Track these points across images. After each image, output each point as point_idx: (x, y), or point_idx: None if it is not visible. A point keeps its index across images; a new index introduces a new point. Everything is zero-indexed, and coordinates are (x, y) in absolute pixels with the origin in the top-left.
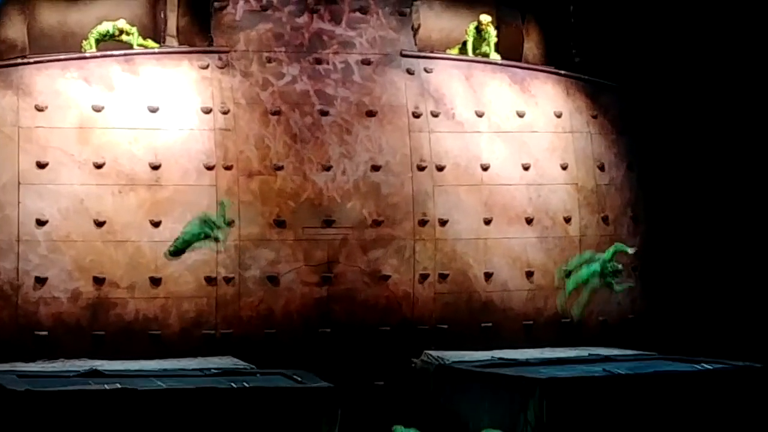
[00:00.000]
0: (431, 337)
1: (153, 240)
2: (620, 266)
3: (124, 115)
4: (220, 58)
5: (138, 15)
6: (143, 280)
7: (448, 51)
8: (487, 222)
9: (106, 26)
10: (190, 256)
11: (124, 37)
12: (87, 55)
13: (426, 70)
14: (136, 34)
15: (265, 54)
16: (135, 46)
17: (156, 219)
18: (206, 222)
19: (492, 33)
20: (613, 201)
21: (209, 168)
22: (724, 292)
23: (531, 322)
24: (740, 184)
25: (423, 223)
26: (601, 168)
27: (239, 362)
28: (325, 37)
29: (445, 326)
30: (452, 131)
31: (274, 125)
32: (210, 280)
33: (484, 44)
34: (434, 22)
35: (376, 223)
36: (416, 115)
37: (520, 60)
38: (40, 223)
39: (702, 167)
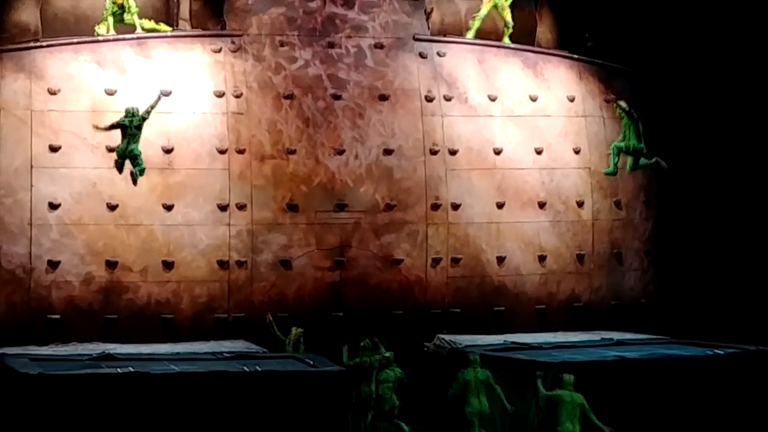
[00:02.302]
0: (444, 321)
1: (165, 224)
2: None
3: (137, 99)
4: (232, 42)
5: None
6: (156, 264)
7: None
8: (500, 206)
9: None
10: (201, 240)
11: (126, 17)
12: (100, 38)
13: (439, 54)
14: (134, 8)
15: (278, 38)
16: (138, 26)
17: (168, 203)
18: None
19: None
20: (626, 185)
21: (222, 152)
22: (737, 277)
23: (543, 306)
24: (754, 168)
25: (435, 207)
26: None
27: (252, 346)
28: (337, 21)
29: (458, 310)
30: (465, 115)
31: (286, 109)
32: (222, 264)
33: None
34: (447, 6)
35: (389, 207)
36: (429, 99)
37: (533, 44)
38: (53, 206)
39: (715, 151)
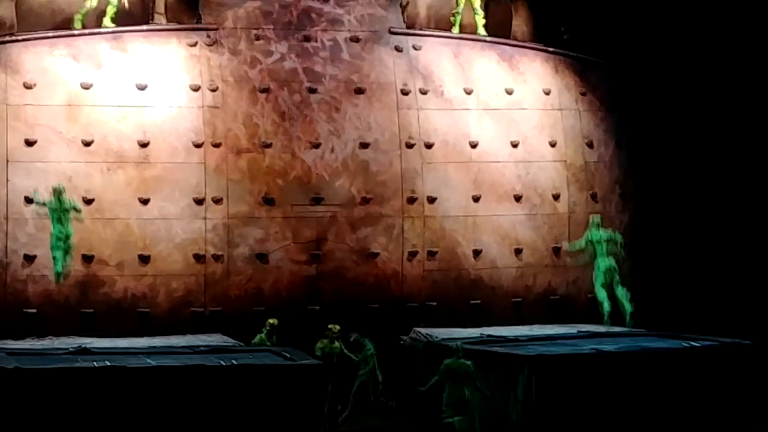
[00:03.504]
0: (420, 315)
1: (141, 218)
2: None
3: (113, 93)
4: (208, 36)
5: None
6: (132, 258)
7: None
8: (476, 199)
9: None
10: (178, 234)
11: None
12: (75, 32)
13: (414, 48)
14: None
15: (254, 31)
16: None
17: (145, 197)
18: None
19: None
20: (601, 178)
21: (198, 146)
22: (713, 270)
23: (520, 300)
24: (729, 161)
25: (411, 200)
26: (590, 145)
27: (228, 340)
28: (313, 15)
29: (434, 304)
30: (441, 108)
31: (262, 103)
32: (198, 258)
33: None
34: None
35: (365, 201)
36: (405, 93)
37: (508, 37)
38: (29, 201)
39: (691, 145)
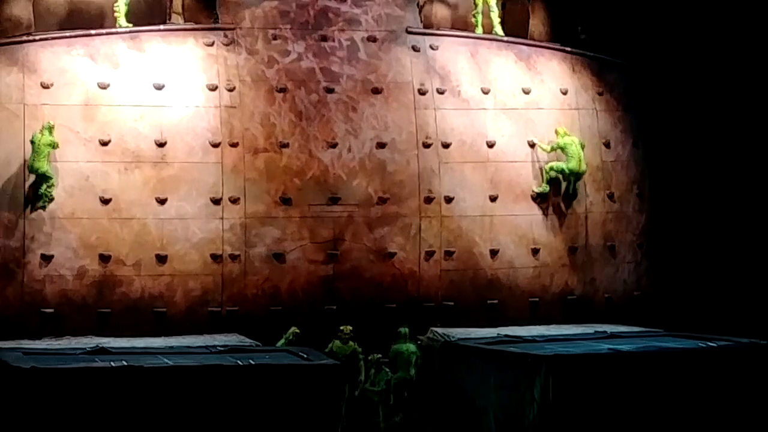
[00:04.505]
0: (437, 315)
1: (159, 217)
2: None
3: (130, 93)
4: (225, 36)
5: None
6: (149, 258)
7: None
8: (493, 199)
9: None
10: (195, 234)
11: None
12: (92, 32)
13: (432, 47)
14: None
15: (271, 31)
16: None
17: (162, 196)
18: None
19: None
20: (618, 178)
21: (215, 145)
22: (730, 269)
23: (537, 299)
24: (746, 161)
25: (429, 200)
26: (607, 145)
27: (245, 339)
28: (330, 15)
29: (451, 303)
30: (458, 108)
31: (279, 103)
32: (216, 258)
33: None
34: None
35: (382, 201)
36: (422, 93)
37: (525, 37)
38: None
39: (708, 145)
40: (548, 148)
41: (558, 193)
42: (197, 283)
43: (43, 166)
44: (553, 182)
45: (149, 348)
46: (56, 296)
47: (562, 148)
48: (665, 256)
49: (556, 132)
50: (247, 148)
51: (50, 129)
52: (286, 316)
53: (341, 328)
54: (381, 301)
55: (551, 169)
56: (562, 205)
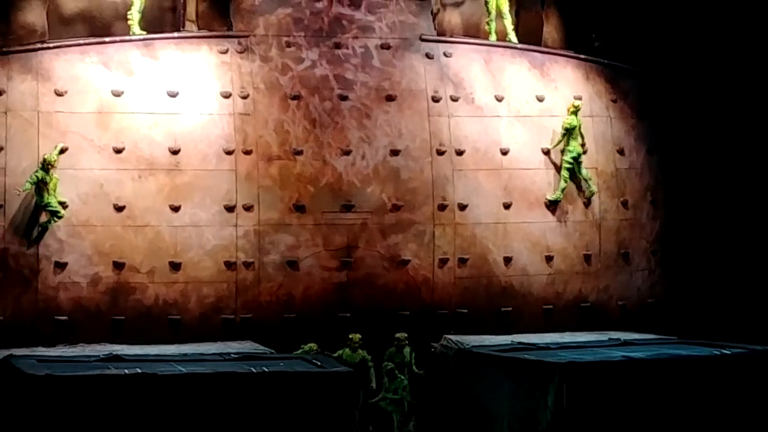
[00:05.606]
0: (451, 322)
1: (173, 225)
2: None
3: (144, 100)
4: (239, 43)
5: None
6: (163, 265)
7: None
8: (507, 206)
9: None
10: (209, 241)
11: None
12: (106, 39)
13: (445, 55)
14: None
15: (285, 38)
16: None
17: (176, 204)
18: None
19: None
20: (632, 185)
21: (229, 153)
22: (744, 276)
23: (551, 307)
24: (762, 169)
25: (442, 207)
26: (621, 152)
27: (259, 347)
28: (344, 22)
29: (465, 311)
30: (472, 115)
31: (293, 110)
32: (229, 265)
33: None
34: (453, 7)
35: (396, 208)
36: (436, 100)
37: (539, 44)
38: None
39: (722, 152)
40: (559, 136)
41: (573, 197)
42: (211, 290)
43: (45, 198)
44: (571, 176)
45: (163, 355)
46: (70, 304)
47: (570, 130)
48: (679, 263)
49: (568, 110)
50: (261, 156)
51: (44, 163)
52: (300, 324)
53: (350, 336)
54: (395, 308)
55: (566, 161)
56: (576, 212)
